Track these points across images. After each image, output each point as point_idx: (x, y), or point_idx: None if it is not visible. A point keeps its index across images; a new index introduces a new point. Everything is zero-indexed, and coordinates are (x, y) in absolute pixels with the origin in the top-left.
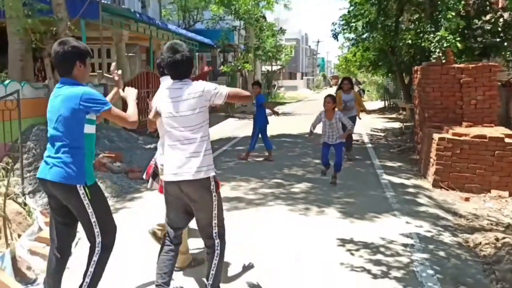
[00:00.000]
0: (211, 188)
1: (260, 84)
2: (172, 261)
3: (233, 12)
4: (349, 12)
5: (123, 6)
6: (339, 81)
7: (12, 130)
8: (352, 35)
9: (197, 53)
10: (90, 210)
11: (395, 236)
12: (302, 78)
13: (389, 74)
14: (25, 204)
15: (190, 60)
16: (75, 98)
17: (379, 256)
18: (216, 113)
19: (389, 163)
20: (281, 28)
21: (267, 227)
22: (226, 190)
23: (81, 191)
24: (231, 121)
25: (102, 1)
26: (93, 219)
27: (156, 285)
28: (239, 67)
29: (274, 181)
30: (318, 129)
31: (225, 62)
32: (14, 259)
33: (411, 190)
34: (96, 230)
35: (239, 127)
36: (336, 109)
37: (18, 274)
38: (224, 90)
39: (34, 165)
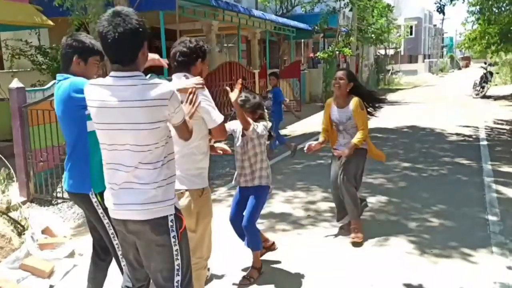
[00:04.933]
0: (169, 227)
1: (277, 75)
2: None
3: None
4: None
5: None
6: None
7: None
8: (474, 8)
9: (302, 40)
10: (106, 221)
11: None
12: (423, 61)
13: None
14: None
15: (138, 34)
16: (66, 93)
17: None
18: (314, 103)
19: (506, 168)
20: (388, 5)
21: (302, 257)
22: (275, 203)
23: (94, 199)
24: None
25: None
26: (111, 230)
27: None
28: (337, 53)
29: None
30: None
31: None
32: None
33: None
34: (115, 242)
35: None
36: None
37: None
38: (182, 114)
39: None
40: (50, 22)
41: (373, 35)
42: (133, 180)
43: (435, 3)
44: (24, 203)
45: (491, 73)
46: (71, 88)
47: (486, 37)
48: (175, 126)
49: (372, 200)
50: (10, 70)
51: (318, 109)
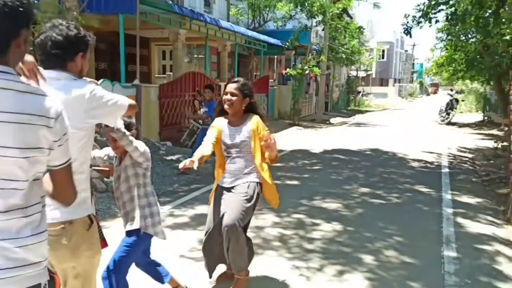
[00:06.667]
0: None
1: (212, 88)
2: None
3: (306, 9)
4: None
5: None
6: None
7: None
8: (443, 34)
9: (275, 56)
10: None
11: None
12: (394, 85)
13: (490, 82)
14: None
15: (17, 15)
16: None
17: None
18: (283, 120)
19: (465, 199)
20: (360, 27)
21: None
22: None
23: None
24: (294, 130)
25: None
26: None
27: None
28: (306, 71)
29: (294, 216)
30: None
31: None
32: None
33: (487, 247)
34: None
35: (309, 139)
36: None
37: None
38: (66, 150)
39: None
40: None
41: (343, 55)
42: None
43: (402, 25)
44: None
45: (457, 100)
46: None
47: (453, 64)
48: (52, 170)
49: (326, 228)
50: None
51: (286, 126)
